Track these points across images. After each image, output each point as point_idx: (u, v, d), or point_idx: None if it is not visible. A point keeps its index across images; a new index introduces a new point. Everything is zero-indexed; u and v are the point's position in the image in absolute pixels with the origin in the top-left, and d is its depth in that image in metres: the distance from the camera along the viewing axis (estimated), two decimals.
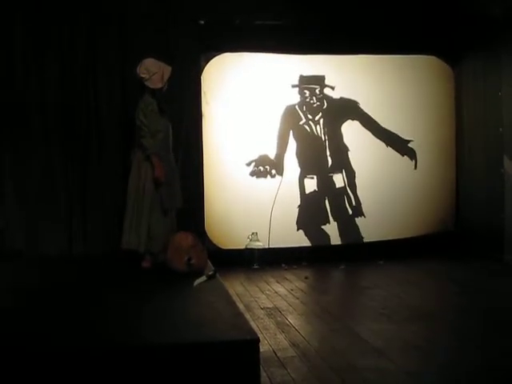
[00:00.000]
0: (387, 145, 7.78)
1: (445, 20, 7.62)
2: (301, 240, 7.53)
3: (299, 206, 7.54)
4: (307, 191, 7.58)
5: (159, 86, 5.84)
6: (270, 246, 7.33)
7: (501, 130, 7.22)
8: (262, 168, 7.42)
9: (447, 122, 8.07)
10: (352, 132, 7.70)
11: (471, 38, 7.63)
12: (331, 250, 7.58)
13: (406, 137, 7.84)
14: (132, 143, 5.90)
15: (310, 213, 7.58)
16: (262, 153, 7.44)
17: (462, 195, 8.00)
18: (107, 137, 6.75)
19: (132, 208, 5.75)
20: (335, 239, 7.62)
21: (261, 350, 3.41)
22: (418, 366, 3.87)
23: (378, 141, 7.77)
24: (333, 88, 7.61)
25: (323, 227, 7.61)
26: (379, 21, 7.44)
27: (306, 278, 6.73)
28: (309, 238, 7.57)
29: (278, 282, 6.54)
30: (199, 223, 6.96)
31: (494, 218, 7.25)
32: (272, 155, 7.49)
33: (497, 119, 7.29)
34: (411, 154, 7.85)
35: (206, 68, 7.24)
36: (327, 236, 7.60)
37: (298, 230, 7.53)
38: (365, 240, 7.64)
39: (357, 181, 7.68)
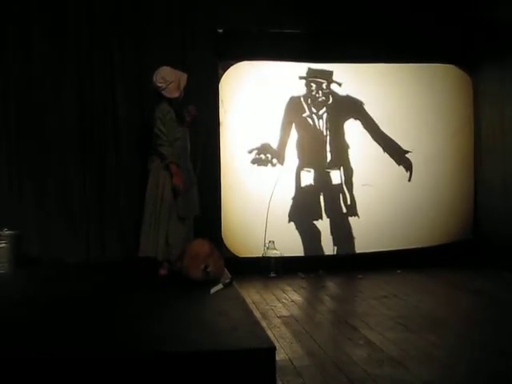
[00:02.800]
0: (384, 150, 7.71)
1: (463, 28, 7.60)
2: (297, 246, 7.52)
3: (293, 198, 7.50)
4: (303, 184, 7.54)
5: (176, 95, 5.87)
6: (284, 255, 7.31)
7: None
8: (263, 156, 7.39)
9: (466, 131, 8.01)
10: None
11: (490, 47, 7.58)
12: (349, 259, 7.54)
13: (425, 145, 7.81)
14: (150, 152, 5.93)
15: (303, 206, 7.53)
16: (265, 141, 7.41)
17: (480, 205, 7.94)
18: (124, 144, 6.80)
19: (150, 216, 5.76)
20: (326, 236, 7.56)
21: (277, 358, 3.41)
22: (436, 376, 3.84)
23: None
24: (340, 84, 7.58)
25: (315, 222, 7.56)
26: (398, 30, 7.44)
27: (323, 286, 6.73)
28: (299, 232, 7.50)
29: (294, 291, 6.52)
30: (216, 231, 6.97)
31: None
32: (274, 144, 7.47)
33: None
34: (407, 164, 7.77)
35: (223, 76, 7.27)
36: (318, 232, 7.54)
37: (289, 221, 7.48)
38: (383, 249, 7.58)
39: (377, 190, 7.65)
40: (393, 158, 7.75)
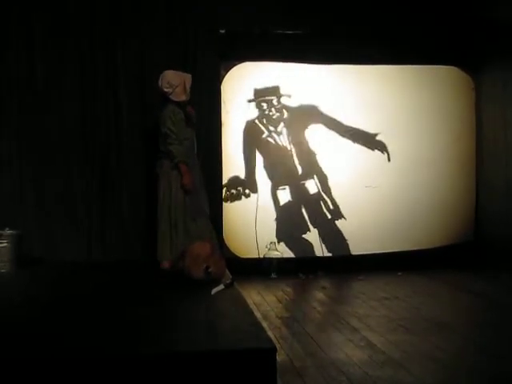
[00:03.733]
0: (354, 141, 7.66)
1: (465, 30, 7.60)
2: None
3: (276, 219, 7.46)
4: (281, 203, 7.50)
5: (183, 98, 5.91)
6: (285, 256, 7.30)
7: None
8: (234, 191, 7.34)
9: (468, 133, 8.01)
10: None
11: (492, 49, 7.58)
12: (349, 260, 7.55)
13: (427, 147, 7.81)
14: (157, 155, 5.93)
15: (288, 224, 7.50)
16: (231, 175, 7.35)
17: (481, 207, 7.94)
18: (127, 145, 6.80)
19: (166, 219, 5.78)
20: (318, 246, 7.55)
21: (277, 359, 3.40)
22: (437, 379, 3.83)
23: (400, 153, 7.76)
24: (289, 96, 7.53)
25: (304, 236, 7.54)
26: (399, 31, 7.45)
27: (324, 288, 6.72)
28: (291, 249, 7.48)
29: (295, 292, 6.52)
30: (217, 232, 6.96)
31: None
32: (242, 175, 7.41)
33: None
34: (380, 146, 7.73)
35: (225, 77, 7.28)
36: (310, 244, 7.53)
37: (278, 242, 7.43)
38: (384, 251, 7.59)
39: (378, 192, 7.65)
40: (366, 146, 7.71)
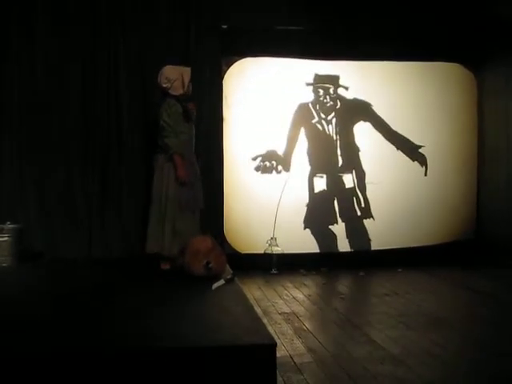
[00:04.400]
0: (397, 148, 7.71)
1: (468, 27, 7.58)
2: (305, 242, 7.50)
3: (307, 205, 7.50)
4: (316, 190, 7.54)
5: (181, 91, 5.89)
6: (286, 252, 7.30)
7: None
8: (268, 163, 7.38)
9: (470, 129, 8.00)
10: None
11: (495, 45, 7.57)
12: (351, 257, 7.54)
13: (429, 144, 7.79)
14: (155, 149, 5.93)
15: (317, 212, 7.53)
16: (270, 148, 7.41)
17: (482, 204, 7.93)
18: (127, 141, 6.78)
19: (156, 212, 5.77)
20: (342, 240, 7.57)
21: (278, 354, 3.41)
22: (436, 375, 3.84)
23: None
24: (347, 88, 7.59)
25: (330, 227, 7.57)
26: (403, 27, 7.42)
27: (325, 284, 6.72)
28: (315, 238, 7.51)
29: (295, 288, 6.52)
30: (218, 227, 6.97)
31: None
32: (280, 151, 7.47)
33: None
34: (422, 159, 7.78)
35: (227, 72, 7.27)
36: (334, 236, 7.56)
37: (304, 228, 7.48)
38: (385, 247, 7.58)
39: (379, 188, 7.64)
40: (407, 155, 7.77)
